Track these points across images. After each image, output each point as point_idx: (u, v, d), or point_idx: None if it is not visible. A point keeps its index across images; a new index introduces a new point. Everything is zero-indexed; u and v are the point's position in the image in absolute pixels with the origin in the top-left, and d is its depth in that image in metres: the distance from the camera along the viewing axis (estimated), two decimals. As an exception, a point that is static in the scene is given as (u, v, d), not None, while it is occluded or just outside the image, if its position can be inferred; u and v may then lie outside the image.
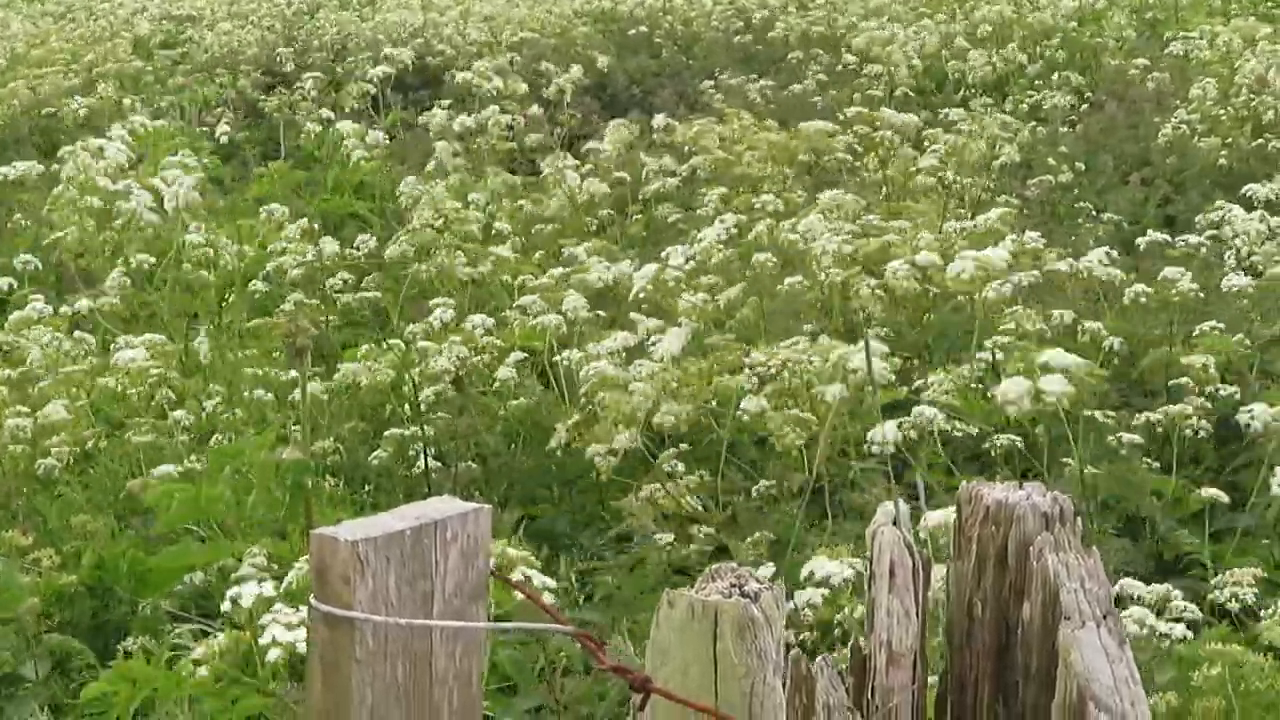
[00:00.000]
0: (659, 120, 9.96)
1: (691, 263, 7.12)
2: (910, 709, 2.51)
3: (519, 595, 3.53)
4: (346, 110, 11.53)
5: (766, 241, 7.21)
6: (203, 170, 9.25)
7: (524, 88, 11.12)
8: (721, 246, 7.21)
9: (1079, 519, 2.51)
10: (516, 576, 3.67)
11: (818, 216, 7.24)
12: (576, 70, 11.51)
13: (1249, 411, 5.46)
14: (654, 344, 6.15)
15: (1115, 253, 6.76)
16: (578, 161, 9.49)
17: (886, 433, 5.29)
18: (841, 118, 9.62)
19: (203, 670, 3.90)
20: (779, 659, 2.22)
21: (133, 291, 7.84)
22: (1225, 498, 5.19)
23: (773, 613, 2.20)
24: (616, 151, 9.44)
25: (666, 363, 5.92)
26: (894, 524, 2.53)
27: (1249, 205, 7.85)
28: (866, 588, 2.51)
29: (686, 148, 9.36)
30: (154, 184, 8.44)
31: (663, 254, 7.28)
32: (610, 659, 2.26)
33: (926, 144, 9.38)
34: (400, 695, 2.15)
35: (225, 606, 3.99)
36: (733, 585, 2.21)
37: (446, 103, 11.17)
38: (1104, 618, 2.43)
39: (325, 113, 11.28)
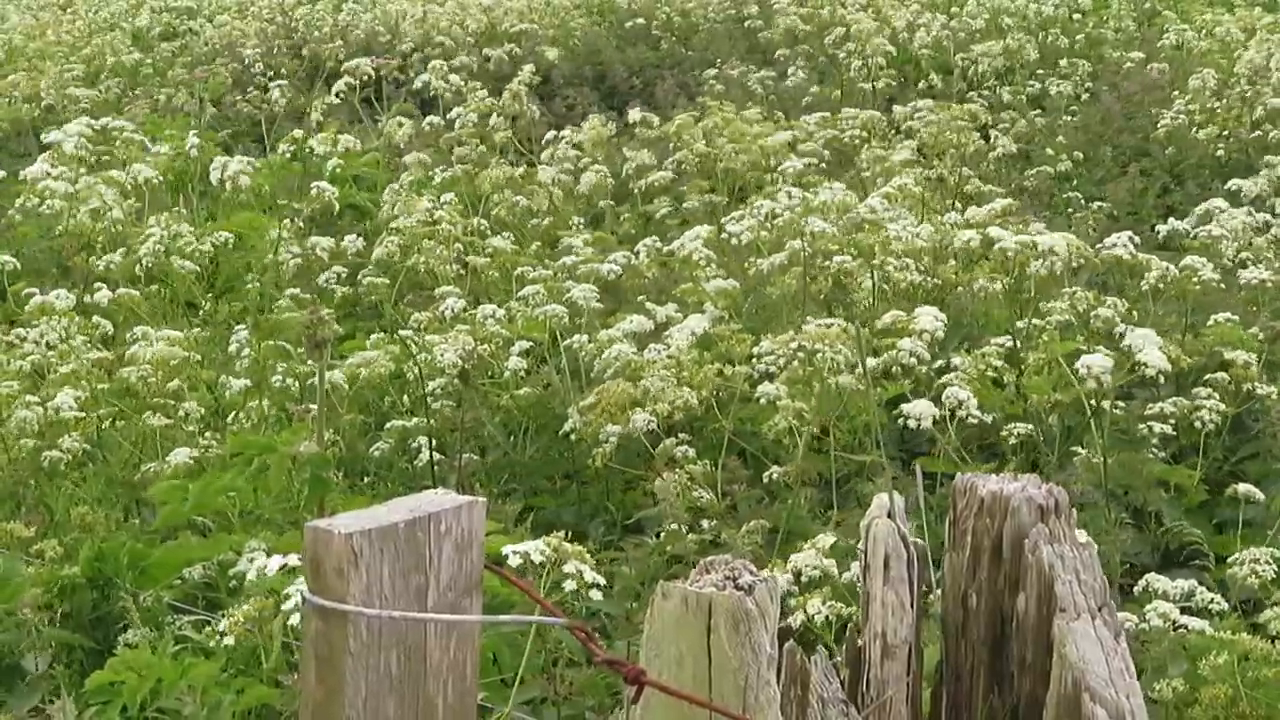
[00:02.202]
0: (634, 114, 9.92)
1: (747, 233, 7.09)
2: (905, 700, 2.52)
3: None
4: (337, 105, 11.48)
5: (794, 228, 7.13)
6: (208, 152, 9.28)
7: (483, 91, 11.05)
8: (762, 227, 7.15)
9: (1073, 511, 2.51)
10: (569, 569, 3.66)
11: (880, 200, 7.16)
12: (528, 70, 11.47)
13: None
14: (670, 331, 6.17)
15: (1138, 239, 6.74)
16: (578, 152, 9.49)
17: (922, 410, 5.29)
18: (840, 112, 9.63)
19: (229, 639, 3.90)
20: (774, 651, 2.23)
21: (141, 281, 7.84)
22: (1260, 494, 5.19)
23: (767, 606, 2.20)
24: (591, 145, 9.42)
25: (686, 347, 5.93)
26: (889, 516, 2.53)
27: (1236, 201, 7.84)
28: (861, 580, 2.52)
29: (670, 143, 9.35)
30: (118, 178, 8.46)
31: (723, 221, 7.30)
32: (610, 652, 2.26)
33: (902, 135, 9.38)
34: (394, 687, 2.15)
35: (250, 576, 3.98)
36: (726, 578, 2.21)
37: (386, 117, 11.08)
38: (1099, 609, 2.44)
39: (316, 117, 11.23)
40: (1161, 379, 5.51)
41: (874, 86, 11.70)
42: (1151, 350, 5.46)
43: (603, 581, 3.69)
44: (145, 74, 13.92)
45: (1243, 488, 5.18)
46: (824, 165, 9.05)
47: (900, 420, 5.42)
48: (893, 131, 9.58)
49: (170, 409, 6.12)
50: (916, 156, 8.75)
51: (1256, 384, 5.74)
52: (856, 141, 9.20)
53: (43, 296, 7.14)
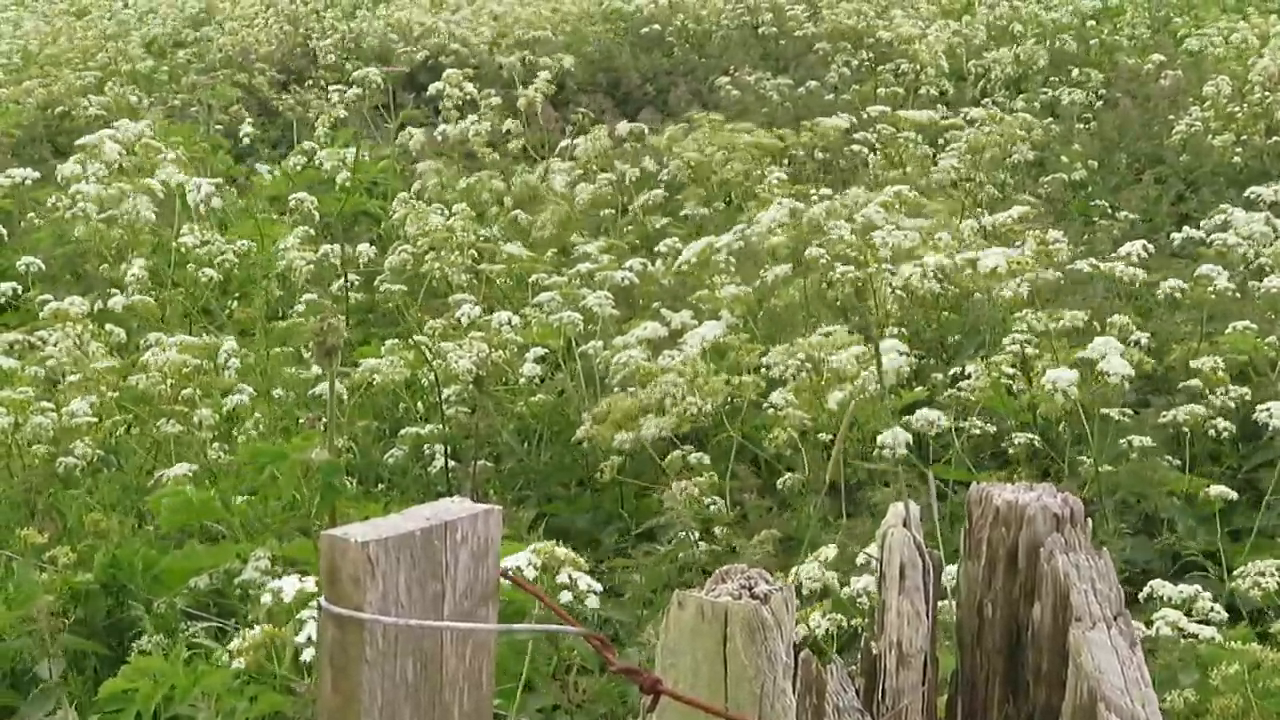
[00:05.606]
0: (622, 128, 9.96)
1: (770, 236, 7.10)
2: (920, 709, 2.51)
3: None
4: (349, 113, 11.48)
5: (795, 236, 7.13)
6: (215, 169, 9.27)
7: (496, 100, 11.06)
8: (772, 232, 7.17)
9: (1088, 520, 2.51)
10: (563, 577, 3.64)
11: (877, 209, 7.17)
12: (543, 77, 11.47)
13: (1267, 410, 5.44)
14: (685, 337, 6.17)
15: (1150, 248, 6.73)
16: (573, 162, 9.50)
17: (897, 436, 5.29)
18: (864, 116, 9.61)
19: (238, 662, 3.89)
20: (789, 660, 2.23)
21: (154, 289, 7.83)
22: (1233, 495, 5.18)
23: (783, 614, 2.19)
24: (586, 159, 9.42)
25: (699, 354, 5.94)
26: (904, 525, 2.53)
27: (1253, 207, 7.82)
28: (877, 589, 2.51)
29: (664, 154, 9.36)
30: (152, 185, 8.45)
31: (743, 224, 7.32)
32: (623, 660, 2.26)
33: (943, 142, 9.37)
34: (410, 695, 2.15)
35: (265, 599, 3.94)
36: (743, 587, 2.21)
37: (395, 124, 11.09)
38: (1115, 618, 2.43)
39: (324, 129, 11.21)
40: (1123, 391, 5.49)
41: (913, 92, 11.69)
42: (1114, 358, 5.43)
43: (599, 588, 3.67)
44: (159, 80, 13.93)
45: (1215, 490, 5.16)
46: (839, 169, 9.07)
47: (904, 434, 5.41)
48: (916, 140, 9.56)
49: (183, 416, 6.12)
50: (959, 162, 8.75)
51: (1228, 387, 5.72)
52: (907, 142, 9.20)
53: (57, 303, 7.12)
